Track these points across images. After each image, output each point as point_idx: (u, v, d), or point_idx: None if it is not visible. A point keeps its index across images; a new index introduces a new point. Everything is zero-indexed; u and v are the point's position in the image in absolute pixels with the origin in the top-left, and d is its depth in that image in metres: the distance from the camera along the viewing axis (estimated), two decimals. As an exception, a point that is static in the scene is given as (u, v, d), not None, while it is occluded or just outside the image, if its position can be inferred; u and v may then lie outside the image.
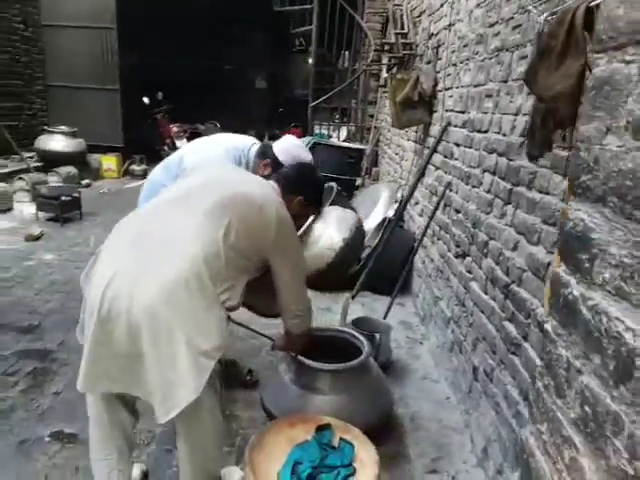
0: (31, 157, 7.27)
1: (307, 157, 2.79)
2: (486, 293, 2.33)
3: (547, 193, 1.78)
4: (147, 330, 1.44)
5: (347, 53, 8.15)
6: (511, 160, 2.13)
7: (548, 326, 0.82)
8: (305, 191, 2.00)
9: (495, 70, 2.39)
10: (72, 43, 8.13)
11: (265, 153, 2.45)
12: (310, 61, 7.19)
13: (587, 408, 0.70)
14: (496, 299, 2.20)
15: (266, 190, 1.87)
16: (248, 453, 1.54)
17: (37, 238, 4.87)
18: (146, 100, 8.88)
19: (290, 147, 2.49)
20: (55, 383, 2.57)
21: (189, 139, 7.90)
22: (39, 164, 7.16)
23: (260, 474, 1.47)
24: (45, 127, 7.61)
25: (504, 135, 2.23)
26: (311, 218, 4.05)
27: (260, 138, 2.85)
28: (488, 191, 2.37)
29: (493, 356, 2.18)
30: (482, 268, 2.40)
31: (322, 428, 1.69)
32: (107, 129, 8.26)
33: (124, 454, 1.74)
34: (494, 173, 2.32)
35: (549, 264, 1.72)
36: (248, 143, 2.56)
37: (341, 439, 1.67)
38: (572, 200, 0.80)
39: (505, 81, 2.26)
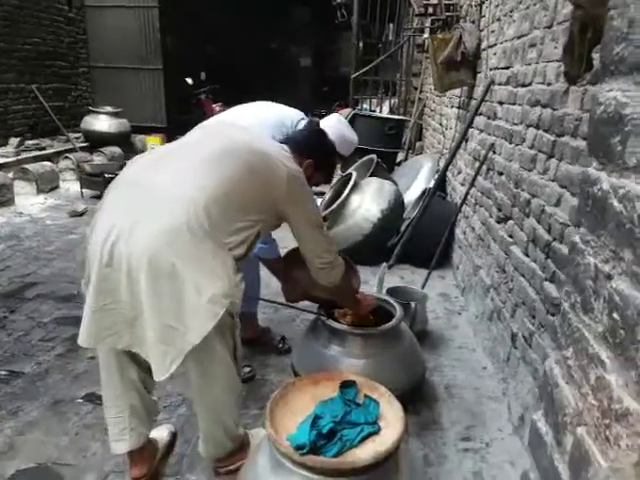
0: (77, 137, 7.50)
1: (353, 136, 2.72)
2: (527, 255, 2.20)
3: (593, 139, 1.63)
4: (147, 276, 1.39)
5: (391, 25, 7.91)
6: (555, 109, 1.97)
7: (576, 237, 0.72)
8: (316, 154, 1.93)
9: (540, 16, 2.22)
10: (115, 23, 8.28)
11: None
12: (353, 33, 7.02)
13: (616, 315, 0.61)
14: (537, 260, 2.06)
15: (276, 146, 1.80)
16: (269, 406, 1.50)
17: (81, 214, 5.03)
18: (189, 80, 8.98)
19: (338, 125, 2.42)
20: (91, 348, 2.60)
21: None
22: (85, 144, 7.37)
23: (280, 427, 1.43)
24: (90, 108, 7.81)
25: (548, 84, 2.08)
26: (348, 189, 3.97)
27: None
28: (531, 146, 2.22)
29: (532, 320, 2.06)
30: (524, 229, 2.26)
31: (347, 385, 1.63)
32: (151, 110, 8.42)
33: (138, 413, 1.72)
34: (537, 127, 2.17)
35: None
36: (296, 117, 2.45)
37: (366, 396, 1.60)
38: (603, 83, 0.70)
39: (550, 26, 2.09)
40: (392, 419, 1.52)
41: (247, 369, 2.45)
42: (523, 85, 2.41)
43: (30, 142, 6.71)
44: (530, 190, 2.20)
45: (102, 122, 7.37)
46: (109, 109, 7.58)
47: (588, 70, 1.26)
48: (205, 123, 2.33)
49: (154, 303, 1.41)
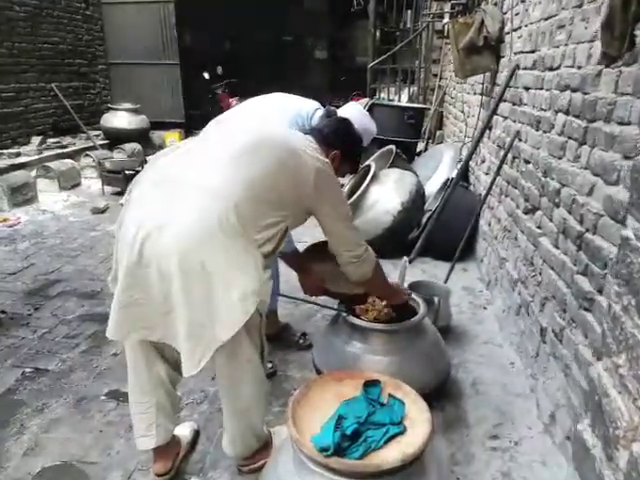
0: (97, 135, 7.55)
1: (372, 126, 2.65)
2: (557, 247, 2.11)
3: (628, 124, 1.54)
4: (178, 275, 1.38)
5: (409, 12, 7.76)
6: (587, 94, 1.88)
7: (628, 231, 0.66)
8: (343, 145, 1.88)
9: (568, -5, 2.12)
10: (131, 19, 8.27)
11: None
12: (370, 21, 6.89)
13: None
14: (568, 252, 1.98)
15: (302, 138, 1.76)
16: (291, 406, 1.46)
17: (103, 211, 5.06)
18: (206, 75, 8.97)
19: (356, 114, 2.36)
20: (114, 345, 2.59)
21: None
22: (105, 142, 7.42)
23: (303, 427, 1.39)
24: (109, 105, 7.85)
25: (579, 67, 1.98)
26: (367, 181, 3.90)
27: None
28: (561, 133, 2.13)
29: (563, 315, 1.98)
30: (553, 220, 2.17)
31: (370, 384, 1.58)
32: (169, 105, 8.43)
33: (164, 409, 1.72)
34: (567, 112, 2.08)
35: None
36: (311, 107, 2.39)
37: (390, 396, 1.55)
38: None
39: (580, 5, 1.99)
40: (418, 419, 1.47)
41: (269, 365, 2.42)
42: (551, 69, 2.31)
43: (51, 140, 6.78)
44: (560, 179, 2.11)
45: (121, 119, 7.41)
46: (128, 106, 7.61)
47: (630, 49, 1.17)
48: (222, 117, 2.29)
49: (185, 301, 1.40)
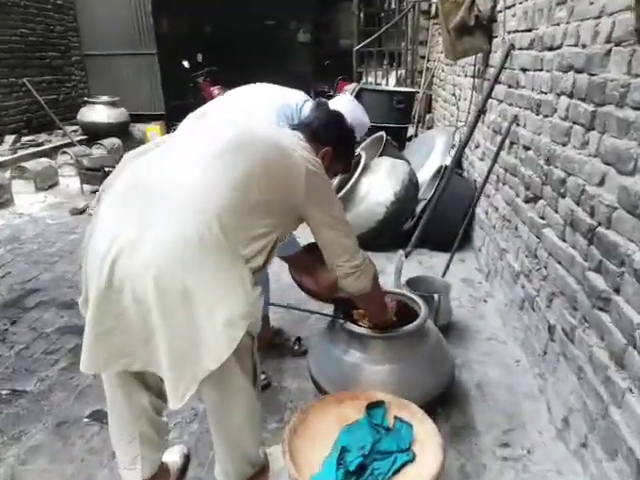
0: (74, 131, 7.28)
1: (366, 118, 2.47)
2: (564, 240, 1.98)
3: (647, 108, 1.40)
4: (156, 298, 1.21)
5: (393, -8, 7.54)
6: (593, 75, 1.73)
7: None
8: (334, 141, 1.69)
9: (569, -32, 1.95)
10: (105, 8, 7.98)
11: None
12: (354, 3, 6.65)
13: None
14: (577, 246, 1.84)
15: (290, 135, 1.58)
16: (287, 438, 1.33)
17: (82, 211, 4.85)
18: (186, 64, 8.64)
19: (349, 106, 2.18)
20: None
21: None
22: (83, 137, 7.15)
23: (301, 463, 1.26)
24: (86, 99, 7.56)
25: (583, 46, 1.82)
26: (358, 172, 3.74)
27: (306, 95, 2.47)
28: (565, 118, 1.98)
29: (574, 313, 1.85)
30: (559, 211, 2.03)
31: (374, 405, 1.45)
32: (149, 97, 8.18)
33: (149, 439, 1.56)
34: (571, 95, 1.93)
35: (652, 198, 1.36)
36: (300, 99, 2.18)
37: (396, 418, 1.42)
38: None
39: (583, -22, 1.83)
40: (428, 443, 1.35)
41: (262, 376, 2.27)
42: (550, 49, 2.15)
43: (26, 139, 6.52)
44: (565, 167, 1.96)
45: (99, 113, 7.13)
46: (105, 99, 7.34)
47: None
48: (202, 110, 2.09)
49: (165, 327, 1.24)
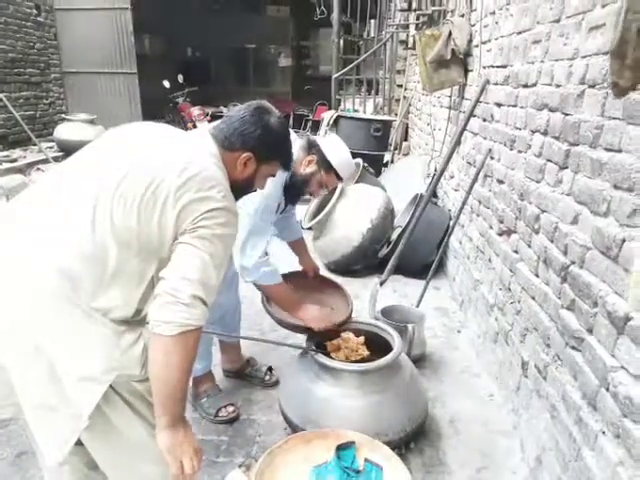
0: (50, 147, 7.15)
1: (354, 163, 2.43)
2: (537, 276, 1.98)
3: (619, 151, 1.41)
4: (8, 353, 1.13)
5: (373, 22, 7.68)
6: (567, 115, 1.75)
7: None
8: (253, 142, 1.39)
9: (544, 9, 2.00)
10: (86, 26, 7.94)
11: (310, 148, 2.09)
12: (334, 31, 6.75)
13: None
14: (550, 283, 1.84)
15: (190, 153, 1.28)
16: (253, 481, 1.27)
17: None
18: (166, 84, 8.61)
19: (341, 148, 2.15)
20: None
21: (211, 122, 7.63)
22: (59, 154, 7.03)
23: (267, 509, 1.20)
24: (63, 116, 7.46)
25: (557, 86, 1.85)
26: (334, 198, 3.73)
27: (285, 118, 2.40)
28: (539, 155, 2.00)
29: (547, 349, 1.84)
30: (532, 247, 2.04)
31: (344, 447, 1.40)
32: (127, 115, 8.08)
33: None
34: (545, 133, 1.95)
35: (624, 241, 1.36)
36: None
37: (367, 460, 1.37)
38: None
39: (557, 20, 1.87)
40: (399, 488, 1.30)
41: (230, 408, 2.20)
42: (525, 86, 2.19)
43: (0, 154, 6.37)
44: (539, 204, 1.98)
45: (76, 130, 7.01)
46: (84, 116, 7.24)
47: (645, 78, 1.03)
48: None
49: (22, 387, 1.15)
